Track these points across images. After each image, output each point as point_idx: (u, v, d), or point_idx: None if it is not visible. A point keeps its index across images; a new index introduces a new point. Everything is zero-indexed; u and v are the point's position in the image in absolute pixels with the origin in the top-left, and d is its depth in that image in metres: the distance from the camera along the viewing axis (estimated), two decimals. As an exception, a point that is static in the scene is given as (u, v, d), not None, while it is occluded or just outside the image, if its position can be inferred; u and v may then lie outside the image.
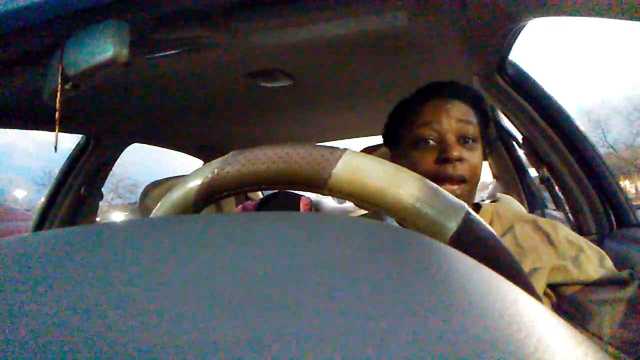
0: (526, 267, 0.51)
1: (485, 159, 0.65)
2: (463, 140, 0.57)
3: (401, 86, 0.69)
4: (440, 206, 0.24)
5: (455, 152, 0.55)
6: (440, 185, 0.58)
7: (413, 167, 0.57)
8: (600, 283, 0.49)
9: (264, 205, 1.38)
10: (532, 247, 0.53)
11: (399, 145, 0.63)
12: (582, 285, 0.50)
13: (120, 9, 0.55)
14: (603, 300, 0.47)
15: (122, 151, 1.44)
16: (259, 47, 0.83)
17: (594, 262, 0.51)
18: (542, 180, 1.02)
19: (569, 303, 0.50)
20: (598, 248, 0.53)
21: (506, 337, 0.10)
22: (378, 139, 0.72)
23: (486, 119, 0.62)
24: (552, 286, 0.51)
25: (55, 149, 0.59)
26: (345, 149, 0.27)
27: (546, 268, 0.50)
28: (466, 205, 0.25)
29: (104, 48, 0.53)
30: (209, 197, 0.29)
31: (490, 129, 0.65)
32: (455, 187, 0.55)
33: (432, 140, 0.57)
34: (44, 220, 1.31)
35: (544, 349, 0.10)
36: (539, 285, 0.49)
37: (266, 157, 0.27)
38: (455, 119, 0.57)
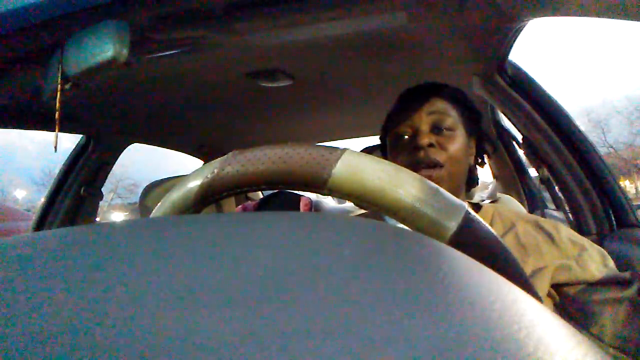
0: (529, 267, 0.50)
1: (485, 155, 0.67)
2: (437, 129, 0.60)
3: (401, 86, 0.69)
4: (440, 206, 0.24)
5: (425, 139, 0.57)
6: (416, 172, 0.60)
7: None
8: (603, 283, 0.49)
9: (264, 205, 1.37)
10: (535, 247, 0.52)
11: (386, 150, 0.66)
12: (584, 285, 0.50)
13: (120, 9, 0.55)
14: (606, 300, 0.47)
15: (122, 151, 1.43)
16: (259, 47, 0.83)
17: (597, 262, 0.51)
18: (542, 180, 1.02)
19: (572, 303, 0.50)
20: (600, 247, 0.53)
21: (506, 337, 0.10)
22: (378, 139, 0.73)
23: (471, 113, 0.64)
24: (555, 286, 0.51)
25: (55, 149, 0.59)
26: (345, 149, 0.27)
27: (550, 267, 0.50)
28: (466, 205, 0.25)
29: (104, 48, 0.53)
30: (209, 197, 0.29)
31: (487, 127, 0.67)
32: (430, 171, 0.57)
33: (407, 135, 0.61)
34: (44, 220, 1.31)
35: (544, 349, 0.10)
36: (543, 285, 0.49)
37: (266, 157, 0.27)
38: (426, 112, 0.60)
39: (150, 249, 0.15)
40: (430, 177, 0.55)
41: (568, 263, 0.50)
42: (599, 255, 0.52)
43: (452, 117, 0.60)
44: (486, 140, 0.67)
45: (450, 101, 0.62)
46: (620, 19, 0.51)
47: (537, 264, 0.51)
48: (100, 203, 1.46)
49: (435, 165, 0.57)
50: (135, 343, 0.09)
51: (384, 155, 0.68)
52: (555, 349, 0.10)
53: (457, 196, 0.61)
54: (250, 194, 1.83)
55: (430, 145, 0.58)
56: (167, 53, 0.75)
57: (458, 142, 0.59)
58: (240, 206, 1.43)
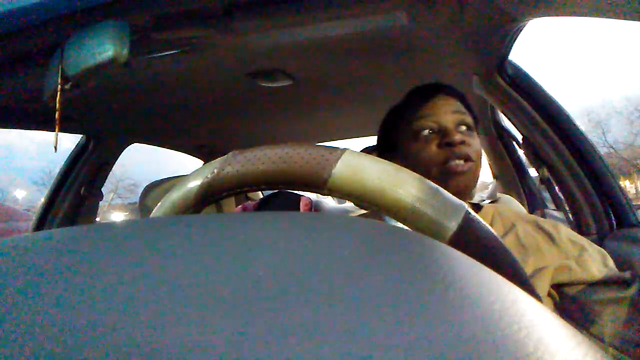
0: (530, 267, 0.50)
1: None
2: (462, 128, 0.60)
3: (401, 86, 0.69)
4: (440, 206, 0.24)
5: (458, 136, 0.58)
6: (449, 162, 0.59)
7: (415, 159, 0.59)
8: (603, 283, 0.49)
9: (264, 205, 1.37)
10: (535, 247, 0.52)
11: (397, 148, 0.64)
12: (585, 285, 0.50)
13: (120, 9, 0.55)
14: (606, 300, 0.47)
15: (122, 151, 1.43)
16: (259, 47, 0.83)
17: (597, 262, 0.51)
18: (542, 180, 1.02)
19: (572, 303, 0.50)
20: (599, 247, 0.53)
21: (506, 337, 0.10)
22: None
23: (473, 115, 0.65)
24: (555, 286, 0.51)
25: (55, 149, 0.59)
26: (345, 149, 0.27)
27: (550, 268, 0.50)
28: (466, 205, 0.25)
29: (104, 48, 0.53)
30: (209, 197, 0.29)
31: (487, 127, 0.67)
32: (464, 163, 0.57)
33: (432, 130, 0.60)
34: (44, 220, 1.31)
35: (544, 349, 0.10)
36: (544, 285, 0.49)
37: (266, 157, 0.27)
38: (451, 110, 0.61)
39: (150, 249, 0.15)
40: (462, 169, 0.56)
41: (568, 263, 0.50)
42: (599, 255, 0.52)
43: (468, 116, 0.62)
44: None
45: (462, 102, 0.63)
46: (620, 19, 0.51)
47: (537, 264, 0.50)
48: (100, 203, 1.47)
49: (468, 159, 0.57)
50: (135, 342, 0.09)
51: (383, 155, 0.68)
52: (555, 349, 0.10)
53: (472, 196, 0.61)
54: (250, 194, 1.83)
55: (462, 142, 0.58)
56: (167, 53, 0.75)
57: (478, 142, 0.61)
58: (240, 206, 1.43)
